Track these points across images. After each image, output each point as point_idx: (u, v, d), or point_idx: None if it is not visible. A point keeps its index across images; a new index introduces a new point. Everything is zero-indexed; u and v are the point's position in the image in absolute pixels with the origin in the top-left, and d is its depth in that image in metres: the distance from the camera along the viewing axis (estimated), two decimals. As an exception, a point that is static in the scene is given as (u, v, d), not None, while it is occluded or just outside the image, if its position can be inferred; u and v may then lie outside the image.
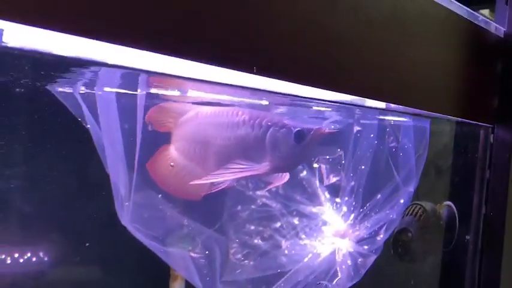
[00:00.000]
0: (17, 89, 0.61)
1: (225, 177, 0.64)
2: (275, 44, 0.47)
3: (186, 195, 0.68)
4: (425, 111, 0.75)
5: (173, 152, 0.69)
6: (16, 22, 0.31)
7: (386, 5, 0.59)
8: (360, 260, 0.74)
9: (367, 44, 0.58)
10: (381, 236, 0.73)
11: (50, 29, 0.32)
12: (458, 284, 0.86)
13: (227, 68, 0.44)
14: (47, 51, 0.36)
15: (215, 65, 0.43)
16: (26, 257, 0.74)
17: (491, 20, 0.83)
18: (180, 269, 0.71)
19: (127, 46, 0.36)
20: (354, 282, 0.74)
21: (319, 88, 0.56)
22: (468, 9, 0.74)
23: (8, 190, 0.70)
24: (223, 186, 0.67)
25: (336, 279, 0.74)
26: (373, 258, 0.73)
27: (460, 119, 0.82)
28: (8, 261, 0.73)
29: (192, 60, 0.41)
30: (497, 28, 0.79)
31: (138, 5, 0.36)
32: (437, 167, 0.90)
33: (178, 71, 0.45)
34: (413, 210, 0.82)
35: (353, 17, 0.55)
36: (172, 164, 0.68)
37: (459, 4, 0.71)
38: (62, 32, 0.33)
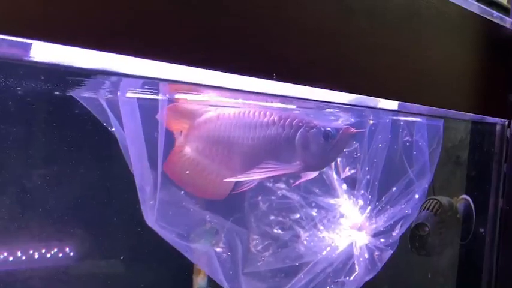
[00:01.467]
0: (43, 96, 0.65)
1: (257, 176, 0.67)
2: (292, 50, 0.49)
3: (209, 194, 0.71)
4: (441, 109, 0.77)
5: (190, 152, 0.71)
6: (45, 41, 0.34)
7: (399, 7, 0.60)
8: (376, 253, 0.76)
9: (381, 45, 0.60)
10: (397, 231, 0.75)
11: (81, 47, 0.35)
12: (476, 275, 0.87)
13: (248, 76, 0.46)
14: (71, 65, 0.39)
15: (237, 74, 0.45)
16: (53, 252, 0.78)
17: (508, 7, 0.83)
18: (204, 265, 0.74)
19: (158, 60, 0.39)
20: (371, 275, 0.76)
21: (336, 90, 0.58)
22: (482, 5, 0.74)
23: (39, 188, 0.74)
24: (250, 186, 0.70)
25: (354, 274, 0.76)
26: (390, 252, 0.75)
27: (475, 115, 0.83)
28: (36, 257, 0.77)
29: (216, 70, 0.43)
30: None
31: (166, 25, 0.38)
32: (454, 162, 0.91)
33: (197, 79, 0.48)
34: (430, 205, 0.83)
35: (366, 20, 0.57)
36: (188, 169, 0.70)
37: (472, 1, 0.72)
38: (90, 49, 0.36)
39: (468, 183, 0.85)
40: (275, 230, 0.81)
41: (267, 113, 0.68)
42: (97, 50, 0.36)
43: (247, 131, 0.68)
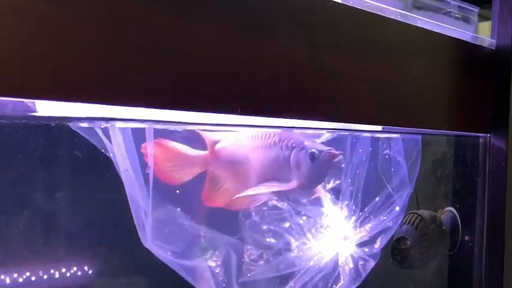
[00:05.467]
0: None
1: (258, 192, 0.74)
2: (262, 86, 0.54)
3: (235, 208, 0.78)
4: (421, 129, 0.81)
5: (214, 175, 0.77)
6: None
7: (364, 38, 0.65)
8: (361, 263, 0.81)
9: (354, 74, 0.64)
10: (378, 243, 0.79)
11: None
12: (466, 285, 0.90)
13: (215, 112, 0.53)
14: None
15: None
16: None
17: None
18: (199, 282, 0.80)
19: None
20: (356, 285, 0.80)
21: (307, 120, 0.64)
22: (455, 28, 0.78)
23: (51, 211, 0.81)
24: (262, 201, 0.77)
25: (340, 283, 0.81)
26: (372, 263, 0.79)
27: (456, 132, 0.87)
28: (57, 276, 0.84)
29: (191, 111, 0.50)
30: (490, 42, 0.83)
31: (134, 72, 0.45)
32: (438, 175, 0.94)
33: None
34: (411, 219, 0.86)
35: (335, 51, 0.62)
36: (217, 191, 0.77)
37: (445, 26, 0.76)
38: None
39: (453, 195, 0.89)
40: (267, 239, 0.87)
41: (271, 135, 0.74)
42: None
43: (257, 152, 0.74)
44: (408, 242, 0.83)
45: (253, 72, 0.54)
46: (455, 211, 0.88)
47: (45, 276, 0.79)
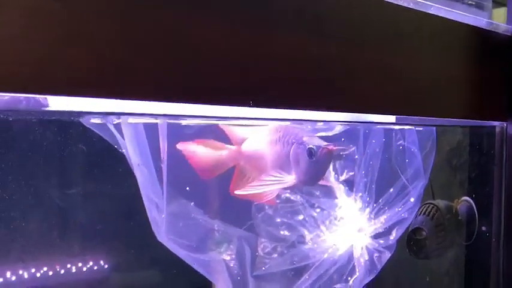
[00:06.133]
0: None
1: (259, 188, 0.73)
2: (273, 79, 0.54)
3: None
4: (436, 118, 0.79)
5: (243, 168, 0.78)
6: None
7: (378, 27, 0.64)
8: (376, 255, 0.80)
9: (366, 64, 0.63)
10: (394, 234, 0.79)
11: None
12: (483, 275, 0.88)
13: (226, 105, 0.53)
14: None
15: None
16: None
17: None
18: (215, 278, 0.80)
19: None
20: (371, 277, 0.80)
21: (320, 111, 0.63)
22: (469, 15, 0.76)
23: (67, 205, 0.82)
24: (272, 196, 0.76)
25: (354, 276, 0.80)
26: (387, 255, 0.79)
27: (472, 121, 0.85)
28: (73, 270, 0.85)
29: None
30: (506, 28, 0.81)
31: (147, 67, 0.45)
32: (454, 164, 0.93)
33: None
34: (427, 209, 0.85)
35: (345, 42, 0.61)
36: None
37: (459, 12, 0.74)
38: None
39: (469, 185, 0.87)
40: (281, 232, 0.87)
41: (278, 129, 0.74)
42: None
43: (270, 147, 0.75)
44: (424, 233, 0.82)
45: (263, 66, 0.53)
46: (471, 201, 0.86)
47: (60, 270, 0.80)
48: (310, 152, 0.68)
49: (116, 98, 0.44)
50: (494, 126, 0.86)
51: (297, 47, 0.55)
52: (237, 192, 0.74)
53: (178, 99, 0.48)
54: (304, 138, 0.70)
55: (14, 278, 0.78)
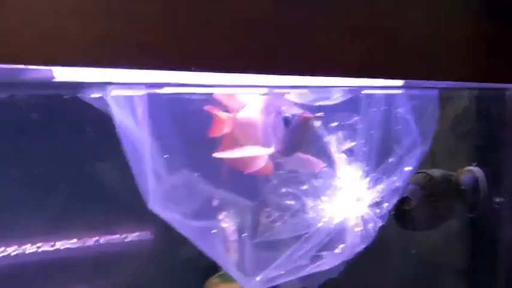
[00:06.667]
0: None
1: (235, 153, 0.74)
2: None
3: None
4: (438, 82, 0.76)
5: (237, 137, 0.80)
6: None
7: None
8: (371, 224, 0.80)
9: (360, 27, 0.61)
10: (387, 203, 0.78)
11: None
12: (491, 246, 0.85)
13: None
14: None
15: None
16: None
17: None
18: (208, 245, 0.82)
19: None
20: (365, 245, 0.79)
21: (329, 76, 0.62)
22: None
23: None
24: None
25: (349, 244, 0.80)
26: (380, 223, 0.78)
27: (480, 84, 0.81)
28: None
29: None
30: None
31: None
32: (458, 132, 0.89)
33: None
34: (418, 178, 0.83)
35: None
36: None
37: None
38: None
39: (476, 153, 0.83)
40: (284, 201, 0.88)
41: (264, 99, 0.75)
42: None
43: (259, 117, 0.75)
44: (412, 203, 0.80)
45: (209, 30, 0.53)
46: (476, 170, 0.83)
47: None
48: (286, 121, 0.67)
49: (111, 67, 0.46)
50: (504, 90, 0.81)
51: (248, 11, 0.53)
52: (215, 154, 0.74)
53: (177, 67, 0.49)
54: (282, 108, 0.70)
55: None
